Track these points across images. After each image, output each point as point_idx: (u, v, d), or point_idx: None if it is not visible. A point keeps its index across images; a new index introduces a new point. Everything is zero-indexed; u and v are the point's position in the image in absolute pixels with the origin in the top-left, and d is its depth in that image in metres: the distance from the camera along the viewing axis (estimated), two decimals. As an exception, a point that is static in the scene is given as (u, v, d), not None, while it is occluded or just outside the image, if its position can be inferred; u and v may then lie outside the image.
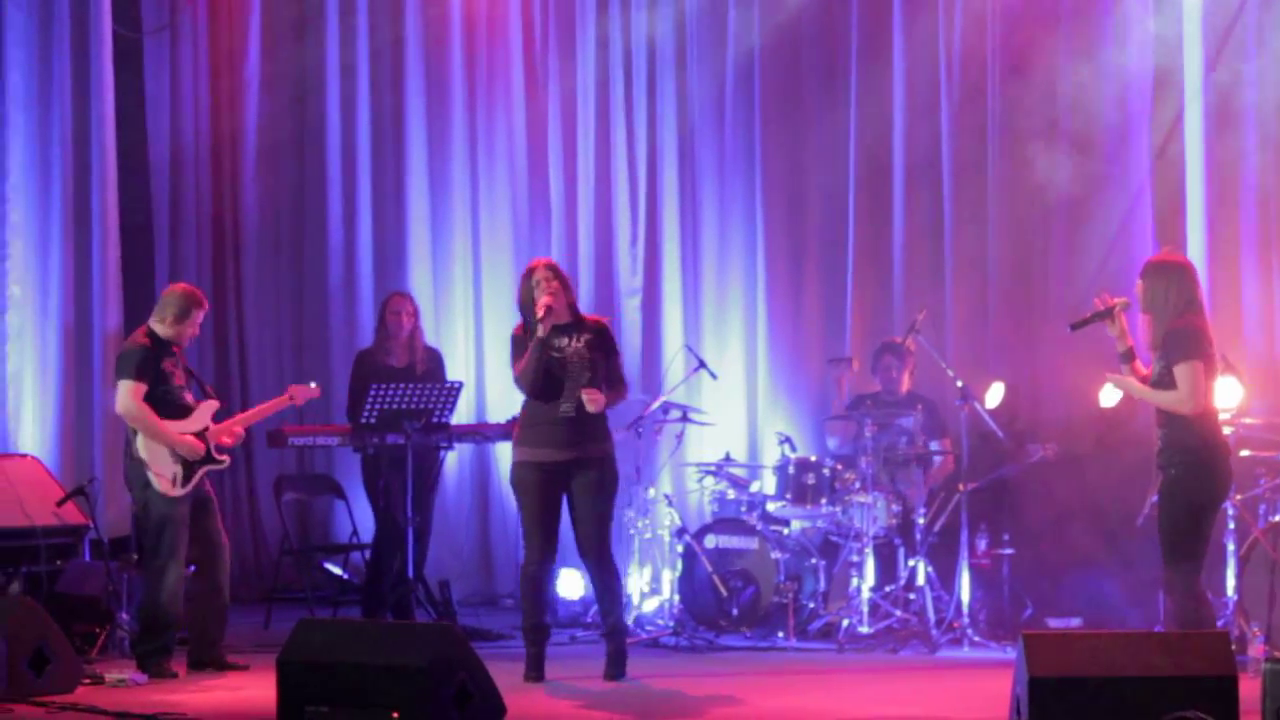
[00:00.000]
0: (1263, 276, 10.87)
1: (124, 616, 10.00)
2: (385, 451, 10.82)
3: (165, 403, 9.22)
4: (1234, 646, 6.88)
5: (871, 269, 12.12)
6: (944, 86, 11.87)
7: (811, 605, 10.69)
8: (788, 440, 11.10)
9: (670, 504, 11.25)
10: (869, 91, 12.11)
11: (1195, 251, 10.78)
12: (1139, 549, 9.74)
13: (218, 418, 9.46)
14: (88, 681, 8.70)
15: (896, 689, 8.81)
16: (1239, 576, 9.42)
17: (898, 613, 10.33)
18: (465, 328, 13.06)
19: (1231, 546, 9.44)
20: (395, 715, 6.82)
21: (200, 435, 9.30)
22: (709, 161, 12.62)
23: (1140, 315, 8.00)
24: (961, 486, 10.33)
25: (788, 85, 12.44)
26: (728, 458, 11.51)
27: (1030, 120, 11.52)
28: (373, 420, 10.62)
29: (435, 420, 10.74)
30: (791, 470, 10.84)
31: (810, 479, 10.77)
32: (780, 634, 10.46)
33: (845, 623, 10.32)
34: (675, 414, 11.25)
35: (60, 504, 10.36)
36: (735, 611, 10.69)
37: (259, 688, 8.29)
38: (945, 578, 10.41)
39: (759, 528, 10.84)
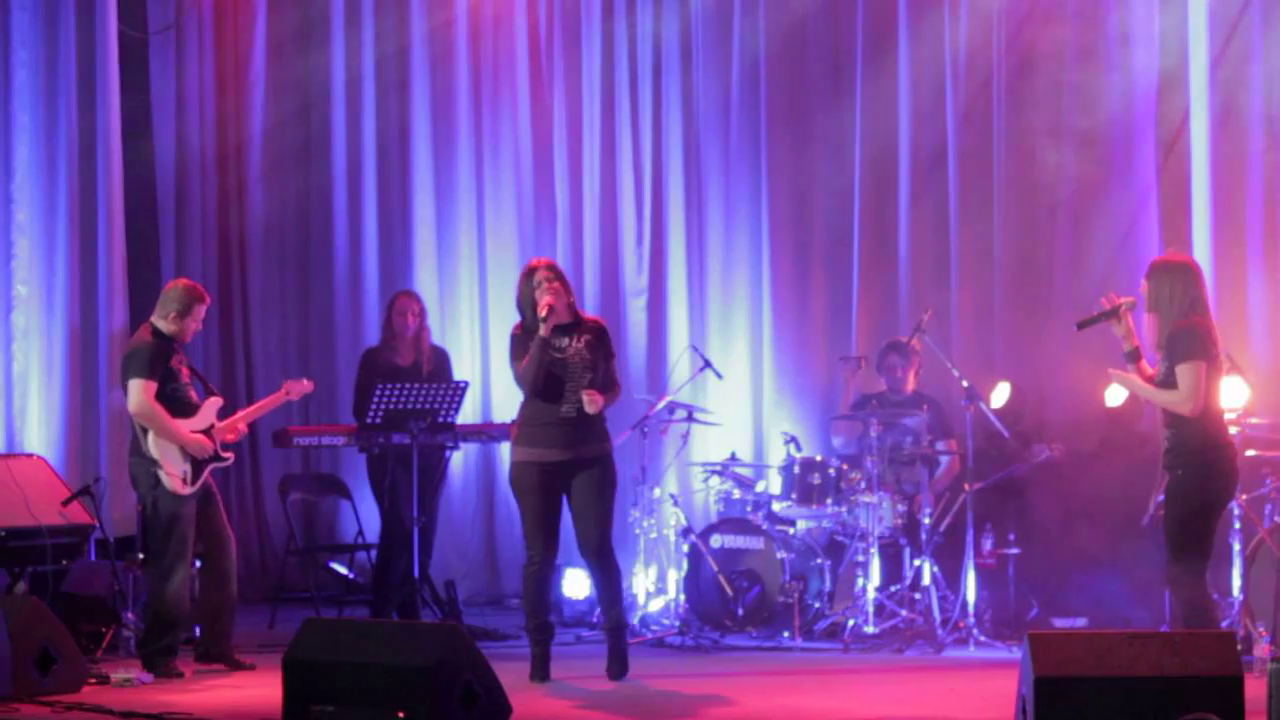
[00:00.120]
0: (1269, 276, 10.86)
1: (129, 616, 10.01)
2: (391, 451, 10.83)
3: (173, 400, 9.23)
4: (1240, 646, 6.88)
5: (877, 269, 12.12)
6: (949, 86, 11.87)
7: (817, 605, 10.68)
8: (793, 440, 11.09)
9: (676, 504, 11.25)
10: (875, 91, 12.11)
11: (1201, 251, 10.77)
12: (1145, 549, 9.73)
13: (219, 415, 9.47)
14: (93, 681, 8.71)
15: (902, 689, 8.80)
16: (1245, 576, 9.41)
17: (903, 613, 10.33)
18: (471, 327, 13.07)
19: (1237, 546, 9.43)
20: (401, 715, 6.82)
21: (207, 433, 9.31)
22: (714, 161, 12.62)
23: (1145, 315, 8.00)
24: (967, 486, 10.32)
25: (793, 85, 12.43)
26: (733, 457, 11.50)
27: (1036, 121, 11.52)
28: (378, 420, 10.63)
29: (441, 420, 10.74)
30: (797, 470, 10.84)
31: (816, 479, 10.77)
32: (786, 634, 10.46)
33: (851, 623, 10.31)
34: (681, 414, 11.25)
35: (66, 504, 10.36)
36: (741, 611, 10.68)
37: (264, 687, 8.30)
38: (951, 577, 10.41)
39: (764, 527, 10.83)
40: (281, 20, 13.36)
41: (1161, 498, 8.01)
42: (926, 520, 10.45)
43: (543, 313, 8.71)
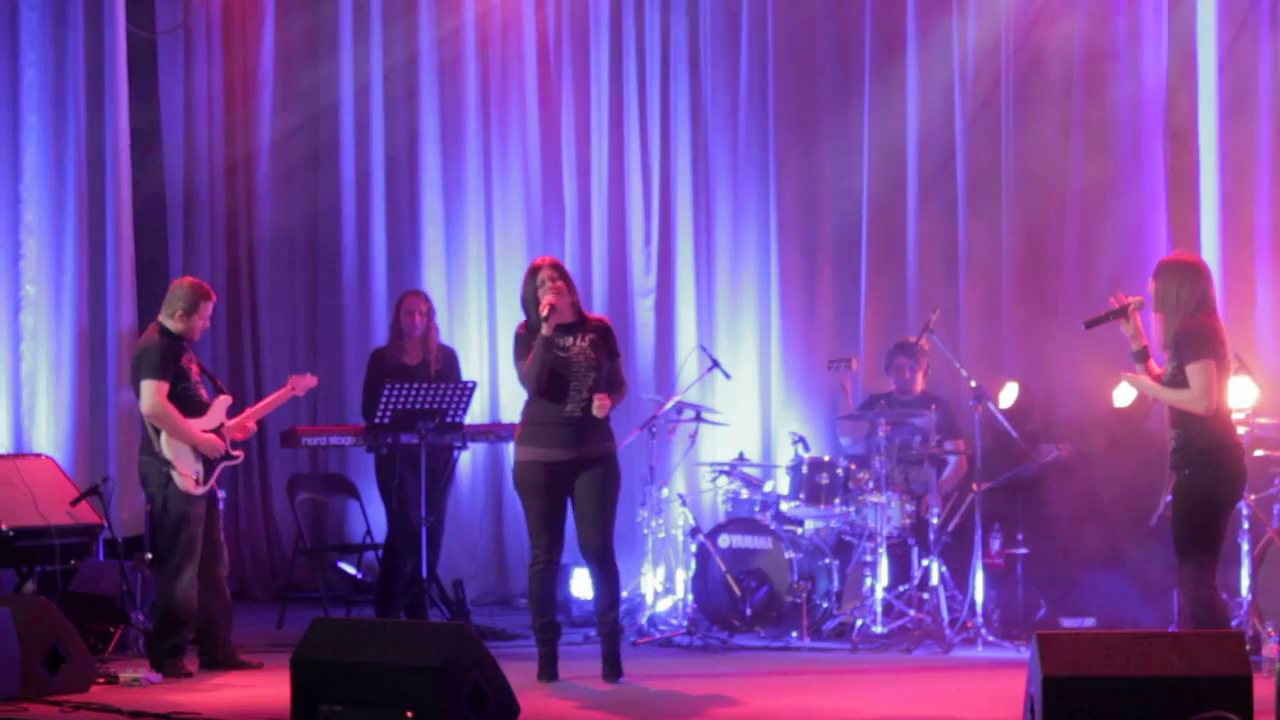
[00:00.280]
0: (1277, 276, 10.86)
1: (138, 616, 10.02)
2: (399, 451, 10.83)
3: (184, 399, 9.22)
4: (1248, 646, 6.88)
5: (885, 269, 12.12)
6: (958, 86, 11.87)
7: (825, 605, 10.68)
8: (801, 440, 11.09)
9: (684, 504, 11.24)
10: (883, 90, 12.10)
11: (1209, 252, 10.77)
12: (1153, 549, 9.73)
13: (228, 413, 9.47)
14: (102, 681, 8.72)
15: (910, 689, 8.80)
16: (1253, 576, 9.42)
17: (911, 612, 10.32)
18: (479, 327, 13.07)
19: (1246, 546, 9.43)
20: (409, 715, 6.83)
21: (217, 431, 9.32)
22: (722, 160, 12.62)
23: (1153, 315, 7.99)
24: (975, 486, 10.32)
25: (801, 84, 12.43)
26: (741, 457, 11.51)
27: (1045, 121, 11.52)
28: (387, 420, 10.63)
29: (449, 420, 10.75)
30: (805, 470, 10.84)
31: (824, 479, 10.77)
32: (794, 634, 10.46)
33: (859, 622, 10.31)
34: (689, 414, 11.25)
35: (74, 503, 10.36)
36: (749, 611, 10.68)
37: (273, 687, 8.29)
38: (959, 577, 10.40)
39: (773, 527, 10.84)
40: (290, 21, 13.36)
41: (1170, 498, 8.01)
42: (935, 520, 10.45)
43: (544, 312, 8.72)
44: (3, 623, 8.15)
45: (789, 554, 10.67)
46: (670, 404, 11.19)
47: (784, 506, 10.98)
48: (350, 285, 13.27)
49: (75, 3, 12.00)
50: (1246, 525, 9.42)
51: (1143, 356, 8.02)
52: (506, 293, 12.86)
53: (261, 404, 10.05)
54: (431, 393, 10.60)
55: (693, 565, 10.87)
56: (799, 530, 11.07)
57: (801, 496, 10.83)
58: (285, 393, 9.95)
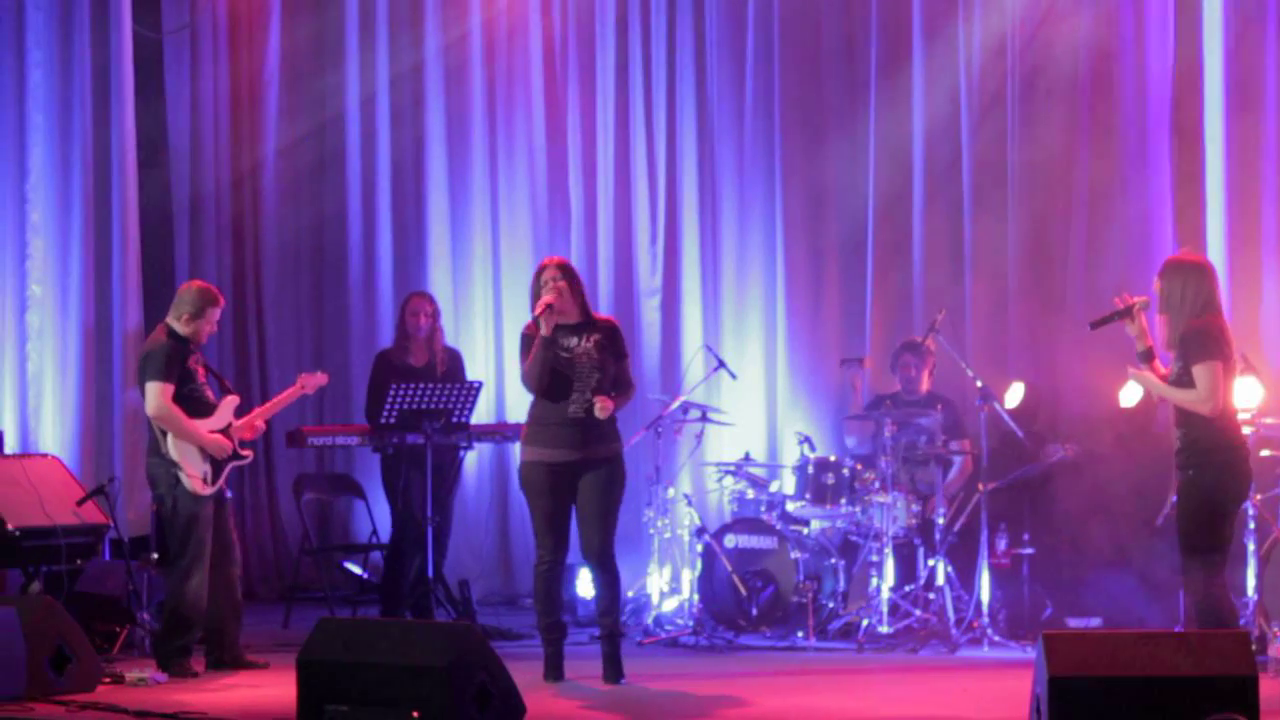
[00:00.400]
0: (1283, 275, 10.87)
1: (144, 615, 10.03)
2: (405, 451, 10.84)
3: (190, 401, 9.23)
4: (1254, 646, 6.87)
5: (891, 268, 12.11)
6: (964, 85, 11.86)
7: (831, 605, 10.67)
8: (807, 440, 11.08)
9: (690, 504, 11.24)
10: (889, 90, 12.10)
11: (1215, 251, 10.76)
12: (1159, 548, 9.72)
13: (236, 413, 9.48)
14: (108, 681, 8.72)
15: (916, 689, 8.79)
16: (1259, 576, 9.40)
17: (917, 612, 10.32)
18: (485, 328, 13.08)
19: (1252, 546, 9.41)
20: (415, 715, 6.83)
21: (225, 432, 9.32)
22: (728, 161, 12.62)
23: (1158, 315, 7.98)
24: (981, 486, 10.32)
25: (807, 85, 12.42)
26: (747, 457, 11.50)
27: (1050, 120, 11.51)
28: (392, 420, 10.64)
29: (455, 420, 10.75)
30: (811, 470, 10.84)
31: (830, 479, 10.77)
32: (800, 634, 10.46)
33: (865, 622, 10.31)
34: (694, 414, 11.24)
35: (80, 503, 10.36)
36: (755, 611, 10.68)
37: (279, 687, 8.30)
38: (965, 577, 10.40)
39: (778, 527, 10.83)
40: (296, 24, 13.36)
41: (1176, 498, 8.00)
42: (940, 520, 10.44)
43: (537, 311, 8.71)
44: (9, 622, 8.16)
45: (795, 554, 10.67)
46: (676, 404, 11.19)
47: (790, 506, 10.98)
48: (356, 287, 13.28)
49: (81, 3, 12.01)
50: (1252, 525, 9.41)
51: (1148, 357, 8.02)
52: (512, 294, 12.87)
53: (271, 403, 10.06)
54: (437, 393, 10.60)
55: (698, 565, 10.87)
56: (805, 530, 11.07)
57: (807, 496, 10.83)
58: (295, 391, 9.96)
